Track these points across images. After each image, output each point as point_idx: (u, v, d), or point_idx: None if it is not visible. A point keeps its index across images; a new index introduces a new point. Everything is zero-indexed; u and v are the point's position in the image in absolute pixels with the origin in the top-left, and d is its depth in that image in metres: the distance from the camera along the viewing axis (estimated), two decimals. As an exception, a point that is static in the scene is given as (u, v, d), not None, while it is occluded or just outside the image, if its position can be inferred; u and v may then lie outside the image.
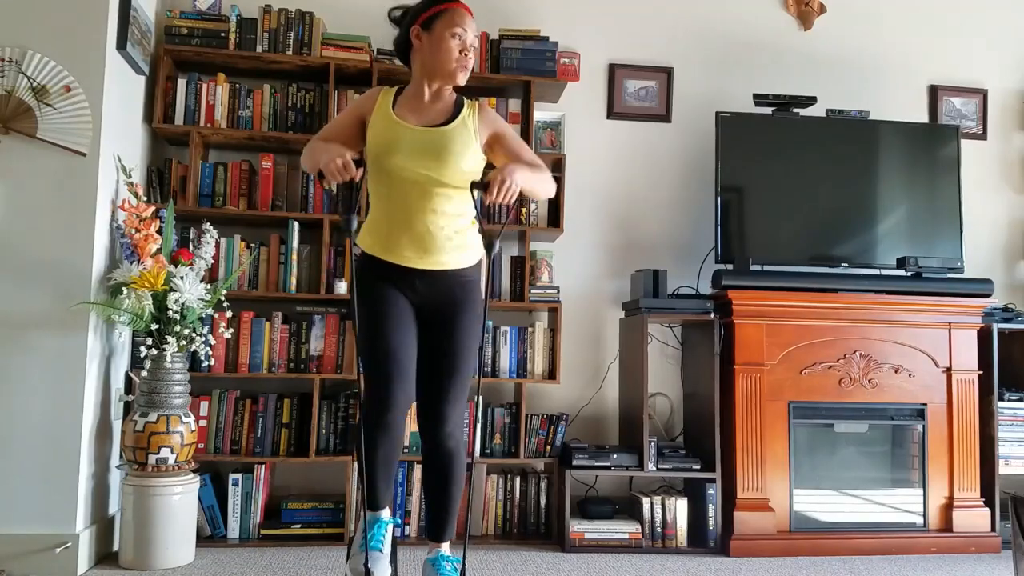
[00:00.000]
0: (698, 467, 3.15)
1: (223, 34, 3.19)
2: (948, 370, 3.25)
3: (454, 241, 2.13)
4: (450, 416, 2.12)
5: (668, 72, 3.66)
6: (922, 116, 3.83)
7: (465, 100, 2.20)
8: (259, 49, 3.20)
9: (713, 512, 3.09)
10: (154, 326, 2.73)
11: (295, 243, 3.14)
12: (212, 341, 2.97)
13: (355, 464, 2.39)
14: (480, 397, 3.22)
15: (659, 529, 3.13)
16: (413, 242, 2.11)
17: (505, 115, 3.33)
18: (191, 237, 3.10)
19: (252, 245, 3.19)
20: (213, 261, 3.07)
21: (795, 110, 3.47)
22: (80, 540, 2.56)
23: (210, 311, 2.96)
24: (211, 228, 2.94)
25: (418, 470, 3.09)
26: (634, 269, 3.54)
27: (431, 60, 2.14)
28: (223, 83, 3.20)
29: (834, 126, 3.45)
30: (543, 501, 3.23)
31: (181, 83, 3.17)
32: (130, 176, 2.86)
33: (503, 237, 3.46)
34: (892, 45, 3.85)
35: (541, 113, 3.41)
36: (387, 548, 2.16)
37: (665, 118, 3.65)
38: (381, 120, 2.14)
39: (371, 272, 2.14)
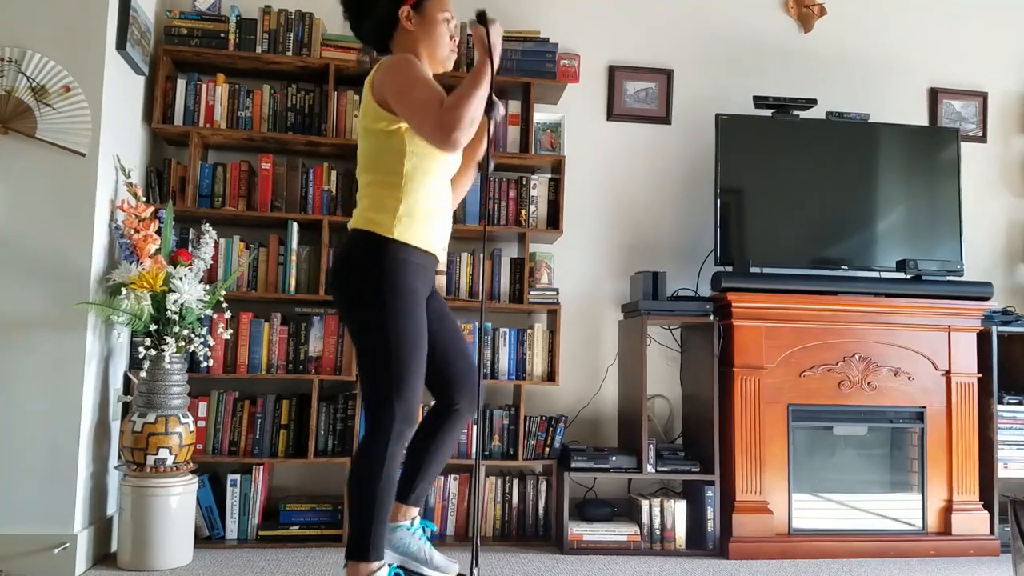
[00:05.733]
0: (697, 469, 3.14)
1: (223, 34, 3.19)
2: (947, 373, 3.25)
3: None
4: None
5: (668, 74, 3.65)
6: (922, 119, 3.83)
7: None
8: (259, 50, 3.20)
9: (712, 515, 3.09)
10: (153, 327, 2.73)
11: (294, 244, 3.14)
12: (211, 342, 2.97)
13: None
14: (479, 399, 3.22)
15: (658, 531, 3.13)
16: (445, 230, 2.14)
17: (505, 116, 3.33)
18: (190, 238, 3.10)
19: (251, 246, 3.18)
20: (212, 262, 3.07)
21: (795, 112, 3.47)
22: (78, 541, 2.56)
23: (209, 312, 2.96)
24: (210, 229, 2.94)
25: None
26: (633, 271, 3.54)
27: (426, 44, 2.08)
28: (222, 83, 3.20)
29: (834, 128, 3.45)
30: (542, 503, 3.22)
31: (180, 83, 3.16)
32: (129, 176, 2.85)
33: (502, 239, 3.46)
34: (892, 47, 3.85)
35: (541, 115, 3.41)
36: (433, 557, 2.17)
37: (665, 120, 3.65)
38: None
39: (412, 272, 2.02)
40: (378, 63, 2.05)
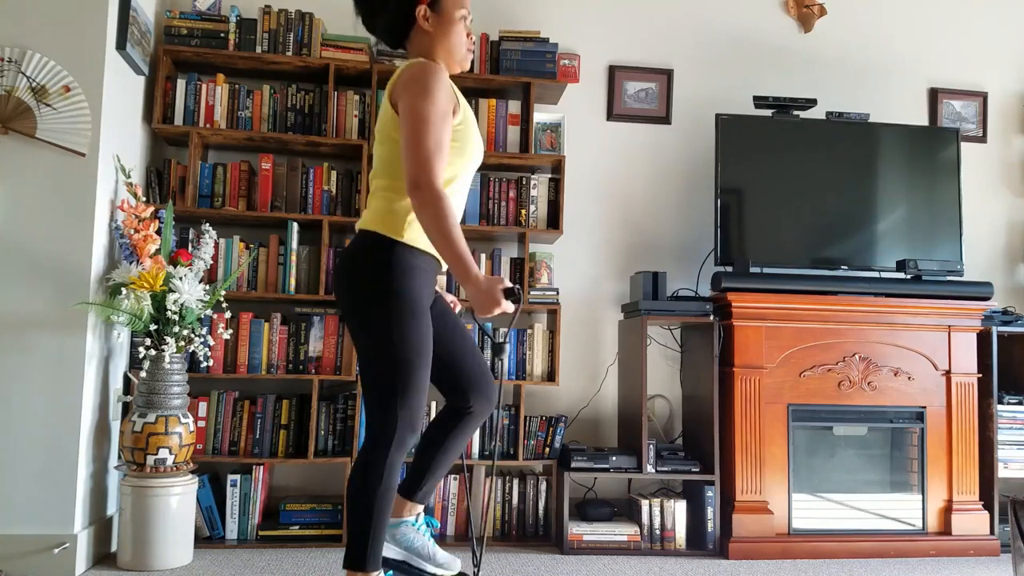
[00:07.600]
0: (697, 469, 3.14)
1: (223, 34, 3.19)
2: (947, 373, 3.25)
3: None
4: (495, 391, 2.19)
5: (668, 74, 3.65)
6: (922, 119, 3.83)
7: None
8: (259, 50, 3.20)
9: (712, 515, 3.09)
10: (153, 327, 2.73)
11: (294, 244, 3.14)
12: (211, 342, 2.96)
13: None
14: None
15: (657, 531, 3.13)
16: None
17: (505, 116, 3.33)
18: (190, 238, 3.10)
19: (251, 246, 3.18)
20: (212, 262, 3.07)
21: (795, 112, 3.47)
22: (78, 541, 2.56)
23: (209, 312, 2.96)
24: (210, 229, 2.94)
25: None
26: (633, 271, 3.54)
27: (444, 45, 2.03)
28: (222, 83, 3.20)
29: (834, 128, 3.45)
30: (542, 503, 3.22)
31: (180, 83, 3.16)
32: (129, 176, 2.85)
33: (502, 239, 3.46)
34: (892, 47, 3.85)
35: (541, 115, 3.41)
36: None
37: (665, 120, 3.65)
38: (463, 102, 2.05)
39: (418, 277, 1.97)
40: (401, 66, 1.98)
